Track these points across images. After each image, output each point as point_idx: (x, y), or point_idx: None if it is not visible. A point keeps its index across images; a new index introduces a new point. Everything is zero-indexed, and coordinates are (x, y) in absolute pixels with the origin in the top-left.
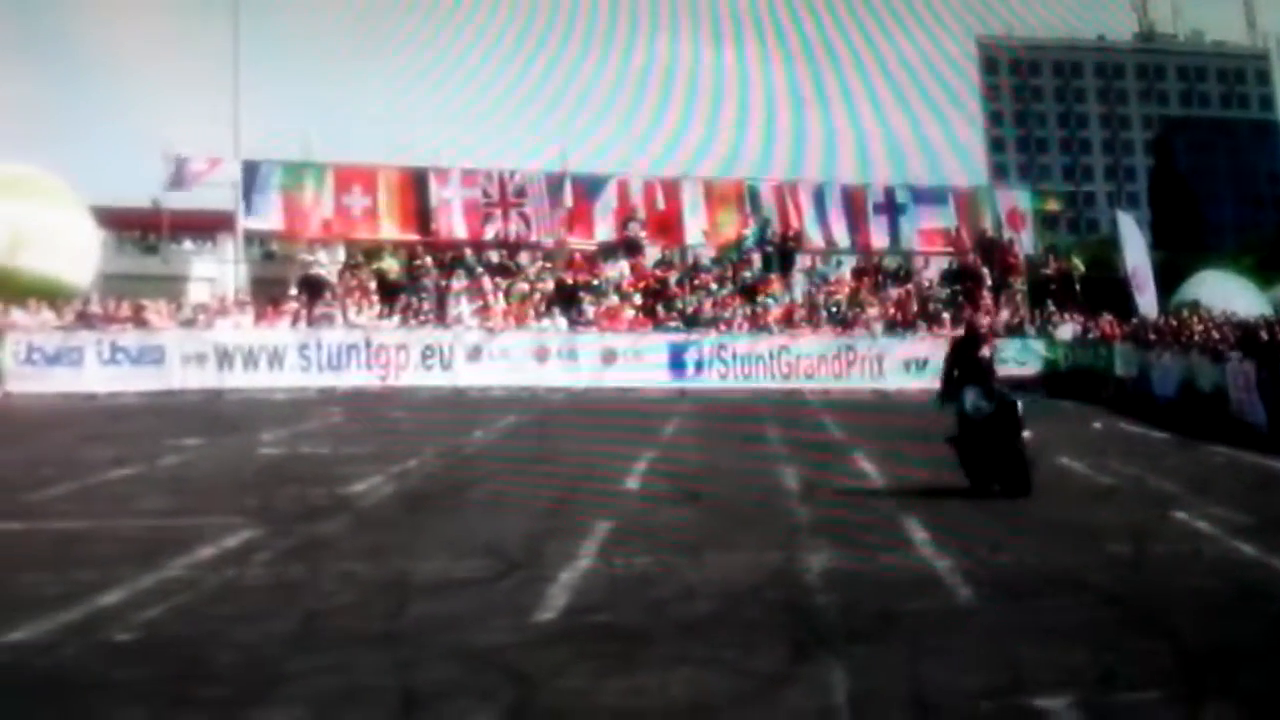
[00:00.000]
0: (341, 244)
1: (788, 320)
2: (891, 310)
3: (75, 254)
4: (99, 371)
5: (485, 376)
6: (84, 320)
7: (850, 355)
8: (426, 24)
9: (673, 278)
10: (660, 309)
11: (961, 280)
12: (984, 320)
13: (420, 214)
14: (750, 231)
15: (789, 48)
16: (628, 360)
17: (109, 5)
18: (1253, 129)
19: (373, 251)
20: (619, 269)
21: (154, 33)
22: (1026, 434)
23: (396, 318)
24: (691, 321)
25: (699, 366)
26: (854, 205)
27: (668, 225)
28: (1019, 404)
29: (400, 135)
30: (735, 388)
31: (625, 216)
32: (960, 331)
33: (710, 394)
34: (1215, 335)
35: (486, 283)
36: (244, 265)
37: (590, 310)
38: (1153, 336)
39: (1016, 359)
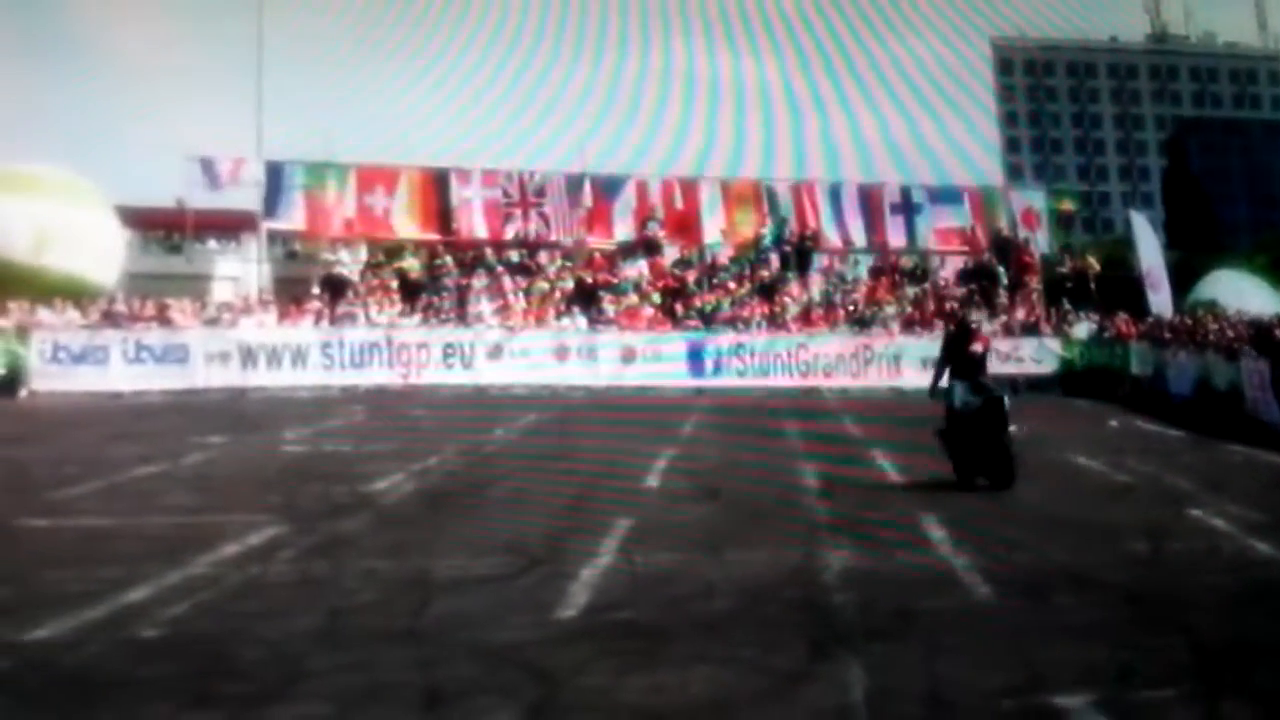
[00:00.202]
0: (363, 243)
1: (805, 319)
2: (909, 309)
3: (100, 253)
4: (124, 370)
5: (506, 375)
6: (109, 319)
7: (868, 354)
8: (447, 26)
9: (691, 278)
10: (679, 308)
11: (978, 280)
12: (978, 316)
13: (441, 214)
14: (768, 231)
15: (804, 51)
16: (647, 359)
17: (133, 8)
18: (1265, 129)
19: (394, 251)
20: (638, 268)
21: (178, 35)
22: (1012, 428)
23: (418, 317)
24: (710, 320)
25: (717, 365)
26: (870, 205)
27: (686, 225)
28: (1005, 399)
29: (421, 135)
30: (753, 386)
31: (644, 216)
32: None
33: (729, 392)
34: (1230, 334)
35: (507, 282)
36: (267, 265)
37: (610, 309)
38: (1168, 335)
39: (1033, 358)
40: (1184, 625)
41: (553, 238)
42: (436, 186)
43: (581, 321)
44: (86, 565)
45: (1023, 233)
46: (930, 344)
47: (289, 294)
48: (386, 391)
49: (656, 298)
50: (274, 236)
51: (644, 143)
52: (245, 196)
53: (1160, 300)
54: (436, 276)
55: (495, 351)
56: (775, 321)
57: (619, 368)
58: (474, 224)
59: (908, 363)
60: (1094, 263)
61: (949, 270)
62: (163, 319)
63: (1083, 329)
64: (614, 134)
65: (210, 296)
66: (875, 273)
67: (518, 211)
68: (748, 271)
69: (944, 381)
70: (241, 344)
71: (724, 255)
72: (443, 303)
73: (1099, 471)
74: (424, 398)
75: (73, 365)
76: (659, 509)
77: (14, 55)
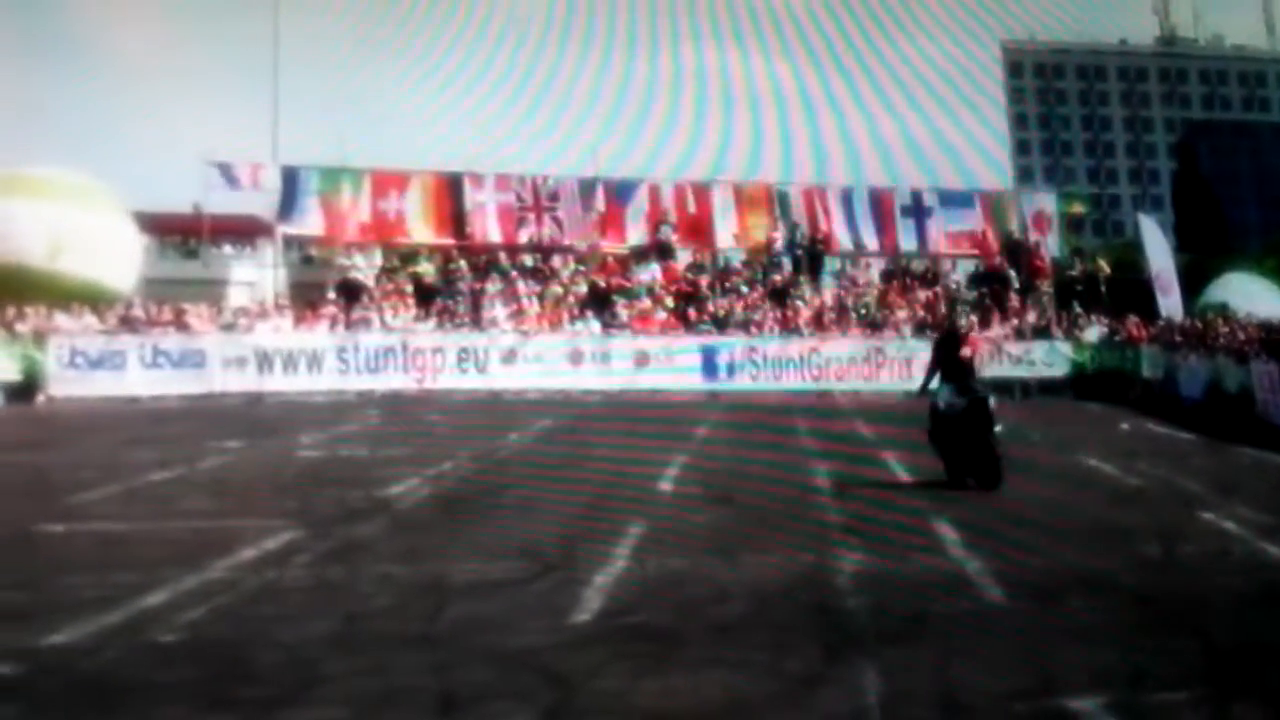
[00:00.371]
0: (378, 248)
1: (818, 323)
2: (920, 312)
3: (117, 258)
4: (141, 375)
5: (520, 379)
6: (126, 324)
7: (880, 358)
8: (460, 30)
9: (704, 282)
10: (692, 312)
11: (989, 283)
12: (966, 322)
13: (455, 218)
14: (780, 235)
15: (815, 53)
16: (660, 363)
17: (150, 12)
18: (1274, 132)
19: (409, 255)
20: (651, 272)
21: (194, 39)
22: (998, 429)
23: (432, 321)
24: (723, 324)
25: (730, 369)
26: (881, 208)
27: (698, 229)
28: (990, 400)
29: (435, 140)
30: (766, 389)
31: (657, 220)
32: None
33: (742, 396)
34: (1241, 337)
35: (521, 286)
36: (283, 269)
37: (623, 313)
38: (1179, 338)
39: (1044, 361)
40: (1196, 628)
41: (566, 242)
42: (450, 191)
43: (595, 326)
44: (103, 570)
45: (1033, 236)
46: None
47: (305, 299)
48: (401, 396)
49: (670, 301)
50: (289, 241)
51: (656, 146)
52: (261, 201)
53: (1171, 303)
54: (451, 281)
55: (509, 356)
56: (788, 325)
57: (633, 372)
58: (488, 228)
59: (919, 367)
60: (1105, 266)
61: (960, 274)
62: (179, 324)
63: (1093, 332)
64: (625, 137)
65: (226, 301)
66: (887, 276)
67: (531, 215)
68: (760, 276)
69: (934, 384)
70: (258, 349)
71: (737, 259)
72: (457, 307)
73: (1110, 474)
74: (439, 402)
75: (90, 370)
76: (672, 513)
77: (25, 58)
